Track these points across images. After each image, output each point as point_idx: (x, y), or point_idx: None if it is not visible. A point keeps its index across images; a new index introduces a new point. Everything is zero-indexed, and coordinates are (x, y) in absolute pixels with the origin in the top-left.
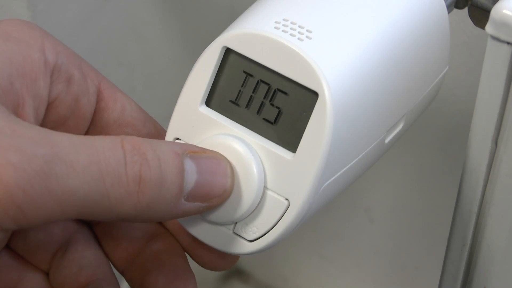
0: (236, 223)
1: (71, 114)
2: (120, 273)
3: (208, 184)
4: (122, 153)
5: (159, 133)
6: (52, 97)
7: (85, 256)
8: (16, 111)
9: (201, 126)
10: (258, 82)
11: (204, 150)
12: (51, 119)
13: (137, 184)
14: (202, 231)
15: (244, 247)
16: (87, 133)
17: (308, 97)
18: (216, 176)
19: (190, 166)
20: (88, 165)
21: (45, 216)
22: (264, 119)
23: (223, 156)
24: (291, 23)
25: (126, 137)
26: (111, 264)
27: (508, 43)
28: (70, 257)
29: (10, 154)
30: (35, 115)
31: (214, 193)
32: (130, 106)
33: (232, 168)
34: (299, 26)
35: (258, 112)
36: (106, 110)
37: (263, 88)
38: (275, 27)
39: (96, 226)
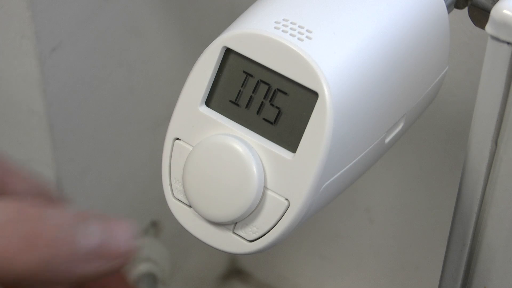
0: (236, 223)
1: None
2: None
3: (110, 242)
4: (15, 210)
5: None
6: None
7: None
8: None
9: (201, 126)
10: (258, 82)
11: (103, 214)
12: None
13: (29, 240)
14: (202, 231)
15: (244, 247)
16: None
17: (308, 97)
18: (117, 233)
19: (88, 226)
20: None
21: None
22: (264, 119)
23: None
24: (291, 23)
25: (19, 200)
26: None
27: (508, 43)
28: None
29: None
30: None
31: (118, 251)
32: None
33: (135, 229)
34: (299, 26)
35: (258, 112)
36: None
37: (263, 88)
38: (275, 27)
39: None
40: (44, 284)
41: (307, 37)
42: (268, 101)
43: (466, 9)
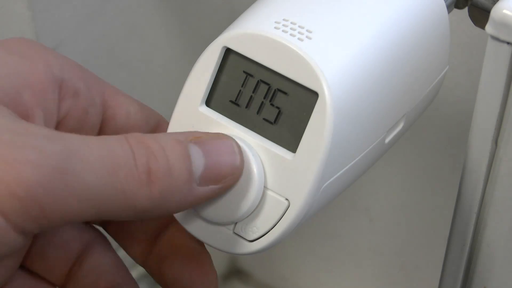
0: (236, 223)
1: (80, 127)
2: (142, 266)
3: (218, 165)
4: (128, 147)
5: (160, 125)
6: (62, 114)
7: (102, 264)
8: (26, 120)
9: (201, 126)
10: (258, 82)
11: (207, 133)
12: None
13: (147, 175)
14: (202, 231)
15: (244, 247)
16: None
17: (308, 97)
18: (224, 155)
19: (196, 151)
20: (101, 160)
21: (65, 215)
22: (264, 119)
23: (227, 135)
24: (291, 23)
25: (129, 134)
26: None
27: (508, 43)
28: (87, 267)
29: (27, 152)
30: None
31: (225, 172)
32: (133, 108)
33: (238, 145)
34: (299, 26)
35: (258, 112)
36: (113, 118)
37: (263, 88)
38: (275, 27)
39: (109, 226)
40: (159, 215)
41: (307, 37)
42: (268, 101)
43: (466, 9)
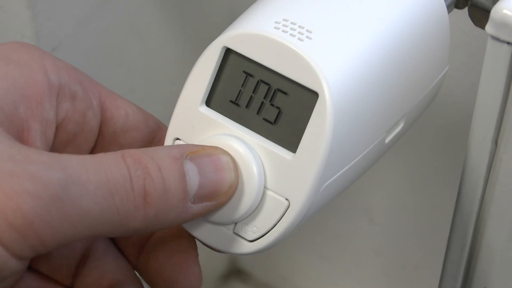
0: (236, 223)
1: (80, 130)
2: (134, 268)
3: (212, 183)
4: (126, 169)
5: (160, 128)
6: (60, 118)
7: (106, 262)
8: (21, 135)
9: (201, 126)
10: (258, 82)
11: (203, 147)
12: (61, 138)
13: (143, 197)
14: (202, 231)
15: (244, 247)
16: (95, 145)
17: (308, 97)
18: (219, 172)
19: (191, 169)
20: (98, 185)
21: (61, 240)
22: (264, 119)
23: (223, 150)
24: (291, 23)
25: (126, 152)
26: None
27: (508, 43)
28: (91, 266)
29: (26, 182)
30: (42, 139)
31: (219, 190)
32: (131, 110)
33: (234, 161)
34: (299, 26)
35: (258, 112)
36: (112, 120)
37: (263, 88)
38: (275, 27)
39: None
40: (152, 231)
41: (307, 37)
42: (268, 101)
43: (466, 9)
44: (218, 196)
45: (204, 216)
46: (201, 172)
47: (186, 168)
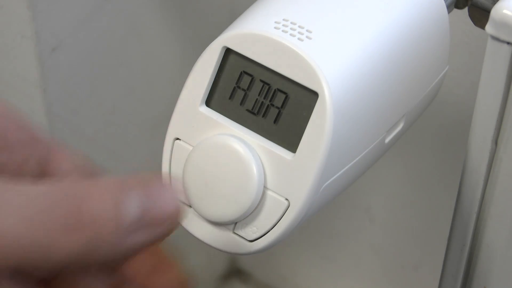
0: (236, 223)
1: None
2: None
3: (153, 210)
4: (55, 193)
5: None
6: None
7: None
8: None
9: (201, 126)
10: (258, 82)
11: (143, 176)
12: None
13: (68, 224)
14: (202, 231)
15: (244, 247)
16: None
17: (308, 97)
18: (160, 199)
19: (129, 195)
20: (18, 207)
21: None
22: (264, 119)
23: (161, 178)
24: (291, 23)
25: (65, 178)
26: None
27: (508, 43)
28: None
29: None
30: None
31: (161, 218)
32: (79, 160)
33: (176, 189)
34: (299, 26)
35: (258, 112)
36: (57, 169)
37: (263, 88)
38: (275, 27)
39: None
40: (87, 269)
41: (307, 37)
42: (268, 101)
43: (466, 9)
44: (160, 225)
45: (203, 215)
46: (141, 199)
47: (122, 195)
